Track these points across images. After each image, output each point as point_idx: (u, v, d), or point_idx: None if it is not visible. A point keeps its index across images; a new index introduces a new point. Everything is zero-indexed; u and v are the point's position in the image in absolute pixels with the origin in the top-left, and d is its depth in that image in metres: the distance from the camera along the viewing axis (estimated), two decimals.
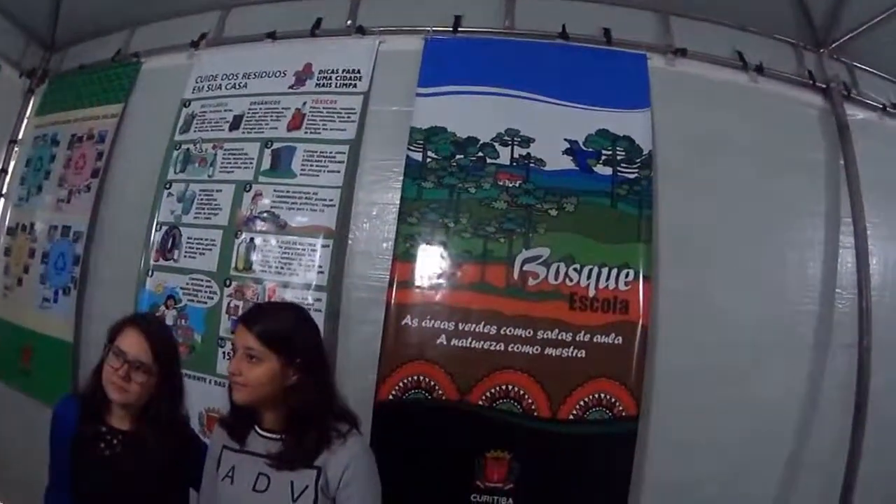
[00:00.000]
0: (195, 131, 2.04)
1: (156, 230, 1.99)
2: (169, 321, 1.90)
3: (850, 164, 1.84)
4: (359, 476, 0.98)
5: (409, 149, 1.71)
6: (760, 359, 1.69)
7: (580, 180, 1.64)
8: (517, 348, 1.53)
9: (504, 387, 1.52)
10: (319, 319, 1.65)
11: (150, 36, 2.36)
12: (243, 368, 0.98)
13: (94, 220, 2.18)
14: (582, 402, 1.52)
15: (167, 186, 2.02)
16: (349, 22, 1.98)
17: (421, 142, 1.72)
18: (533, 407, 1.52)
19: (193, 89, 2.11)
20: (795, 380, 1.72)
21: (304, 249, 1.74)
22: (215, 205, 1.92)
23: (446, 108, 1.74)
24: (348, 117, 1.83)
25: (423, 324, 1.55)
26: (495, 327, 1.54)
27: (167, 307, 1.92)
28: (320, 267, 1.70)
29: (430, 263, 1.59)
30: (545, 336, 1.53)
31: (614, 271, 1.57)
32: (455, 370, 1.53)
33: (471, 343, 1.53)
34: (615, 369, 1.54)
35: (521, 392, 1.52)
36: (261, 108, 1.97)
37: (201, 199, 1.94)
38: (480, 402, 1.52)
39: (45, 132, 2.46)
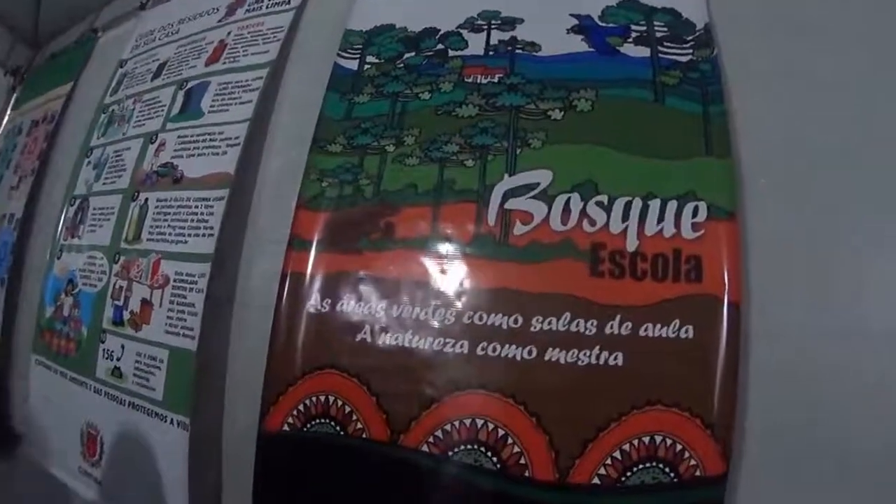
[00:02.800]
0: (123, 90, 1.51)
1: (69, 205, 1.45)
2: (66, 311, 1.33)
3: None
4: None
5: (339, 55, 1.04)
6: None
7: (599, 65, 0.86)
8: (494, 352, 0.75)
9: (468, 423, 0.73)
10: (200, 302, 0.98)
11: (112, 11, 1.93)
12: None
13: (33, 205, 1.70)
14: (618, 455, 0.70)
15: (87, 154, 1.49)
16: None
17: (358, 46, 1.04)
18: (522, 461, 0.71)
19: (131, 49, 1.61)
20: None
21: (196, 207, 1.10)
22: (121, 165, 1.35)
23: (396, 1, 1.06)
24: (273, 37, 1.21)
25: (337, 308, 0.82)
26: (454, 313, 0.77)
27: (66, 293, 1.34)
28: (211, 229, 1.03)
29: (352, 212, 0.87)
30: (546, 327, 0.74)
31: (671, 206, 0.76)
32: (385, 390, 0.77)
33: (412, 342, 0.77)
34: (683, 389, 0.71)
35: (501, 433, 0.72)
36: (185, 50, 1.41)
37: (111, 162, 1.38)
38: (426, 449, 0.74)
39: (14, 124, 2.08)
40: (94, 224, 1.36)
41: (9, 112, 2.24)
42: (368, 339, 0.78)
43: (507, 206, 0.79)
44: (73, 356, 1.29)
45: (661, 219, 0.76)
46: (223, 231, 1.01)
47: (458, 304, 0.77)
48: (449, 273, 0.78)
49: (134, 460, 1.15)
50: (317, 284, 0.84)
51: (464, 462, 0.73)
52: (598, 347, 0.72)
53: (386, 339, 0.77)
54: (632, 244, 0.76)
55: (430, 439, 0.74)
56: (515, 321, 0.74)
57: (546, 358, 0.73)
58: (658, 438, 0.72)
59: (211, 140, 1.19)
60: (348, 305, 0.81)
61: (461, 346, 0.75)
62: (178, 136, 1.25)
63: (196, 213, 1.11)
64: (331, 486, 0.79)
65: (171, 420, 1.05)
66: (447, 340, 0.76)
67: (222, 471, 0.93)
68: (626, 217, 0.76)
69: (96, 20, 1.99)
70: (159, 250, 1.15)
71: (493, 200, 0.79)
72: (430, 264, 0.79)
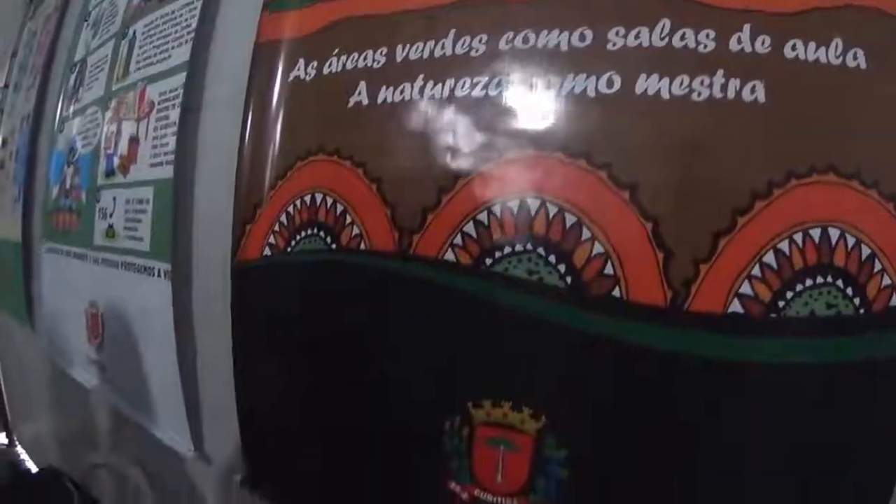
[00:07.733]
0: None
1: (69, 73, 1.28)
2: (68, 183, 1.17)
3: None
4: None
5: None
6: None
7: None
8: (550, 87, 0.43)
9: (515, 208, 0.43)
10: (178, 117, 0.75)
11: None
12: None
13: (42, 100, 1.54)
14: (771, 260, 0.39)
15: (86, 18, 1.29)
16: None
17: None
18: (609, 271, 0.41)
19: None
20: None
21: (182, 14, 0.83)
22: (114, 11, 1.12)
23: None
24: None
25: (325, 71, 0.54)
26: (479, 39, 0.45)
27: (68, 164, 1.19)
28: (192, 31, 0.79)
29: None
30: (632, 43, 0.40)
31: None
32: (387, 171, 0.48)
33: (422, 91, 0.46)
34: (868, 148, 0.39)
35: (571, 221, 0.42)
36: None
37: (106, 14, 1.17)
38: (451, 258, 0.45)
39: (31, 32, 1.90)
40: (91, 81, 1.17)
41: (27, 25, 2.12)
42: (364, 101, 0.50)
43: None
44: (75, 230, 1.14)
45: None
46: (200, 25, 0.77)
47: (486, 25, 0.46)
48: None
49: (129, 331, 0.99)
50: (295, 49, 0.56)
51: (518, 278, 0.42)
52: (721, 72, 0.40)
53: (386, 96, 0.49)
54: None
55: (458, 240, 0.47)
56: (581, 38, 0.43)
57: (637, 90, 0.41)
58: (834, 233, 0.40)
59: None
60: (337, 63, 0.53)
61: (497, 87, 0.45)
62: None
63: (180, 23, 0.87)
64: (323, 323, 0.55)
65: (158, 271, 0.86)
66: (475, 81, 0.46)
67: (193, 318, 0.72)
68: None
69: None
70: (145, 76, 0.91)
71: None
72: None
